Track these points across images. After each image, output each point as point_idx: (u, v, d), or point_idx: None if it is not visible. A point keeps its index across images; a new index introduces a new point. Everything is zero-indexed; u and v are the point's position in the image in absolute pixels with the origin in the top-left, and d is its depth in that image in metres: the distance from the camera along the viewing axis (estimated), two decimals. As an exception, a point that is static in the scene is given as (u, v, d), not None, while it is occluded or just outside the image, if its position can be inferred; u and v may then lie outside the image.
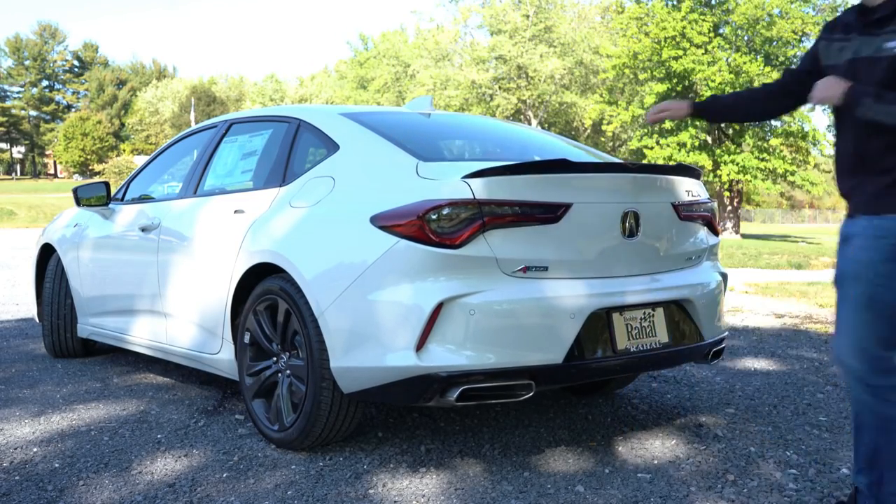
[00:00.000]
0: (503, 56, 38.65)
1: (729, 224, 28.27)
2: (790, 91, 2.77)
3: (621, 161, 3.41)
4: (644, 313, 3.09)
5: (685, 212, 3.31)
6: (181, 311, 3.92)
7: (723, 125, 27.21)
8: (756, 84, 25.47)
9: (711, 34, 26.86)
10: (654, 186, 3.23)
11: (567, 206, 2.89)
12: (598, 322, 2.94)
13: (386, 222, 2.86)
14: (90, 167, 68.90)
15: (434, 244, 2.77)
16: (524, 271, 2.83)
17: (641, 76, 29.46)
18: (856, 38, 2.44)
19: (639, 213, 3.08)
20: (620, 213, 3.03)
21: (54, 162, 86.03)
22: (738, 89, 25.31)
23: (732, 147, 27.20)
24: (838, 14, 2.74)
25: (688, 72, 26.51)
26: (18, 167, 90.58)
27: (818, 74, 2.55)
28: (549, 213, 2.86)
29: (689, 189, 3.37)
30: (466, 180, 2.81)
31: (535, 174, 2.90)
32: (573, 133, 42.57)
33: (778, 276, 11.88)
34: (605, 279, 3.04)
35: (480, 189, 2.79)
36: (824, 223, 68.09)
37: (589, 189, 2.99)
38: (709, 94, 25.52)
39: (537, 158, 3.78)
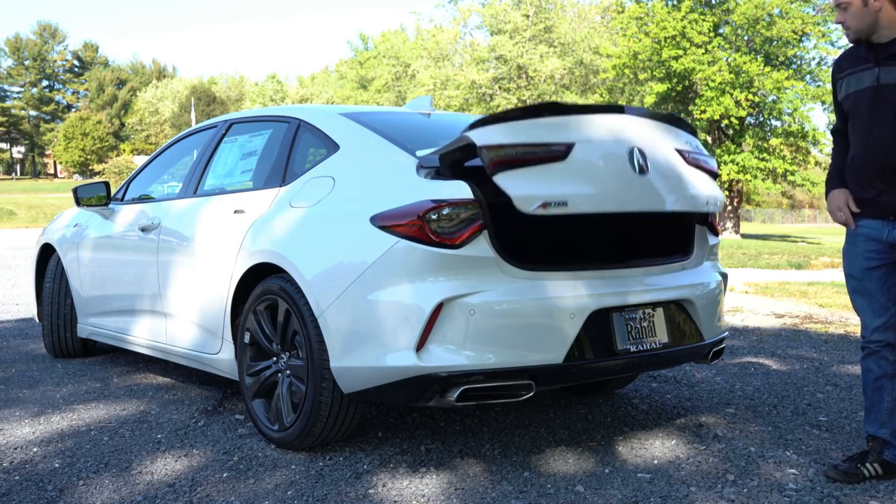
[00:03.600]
0: (503, 56, 38.64)
1: (729, 224, 28.26)
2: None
3: (616, 104, 3.43)
4: (644, 313, 3.09)
5: (691, 158, 3.26)
6: (181, 311, 3.92)
7: (723, 125, 27.22)
8: (756, 83, 25.47)
9: (711, 34, 26.85)
10: (654, 129, 3.19)
11: (570, 145, 2.85)
12: (598, 322, 2.94)
13: (386, 222, 2.86)
14: (90, 167, 68.88)
15: (434, 244, 2.77)
16: (544, 207, 2.75)
17: (641, 76, 29.45)
18: (874, 68, 2.83)
19: (644, 151, 3.02)
20: (626, 151, 2.97)
21: (54, 162, 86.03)
22: (737, 89, 25.39)
23: (732, 147, 27.19)
24: (840, 54, 3.05)
25: (688, 72, 26.50)
26: (18, 167, 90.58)
27: (844, 109, 2.97)
28: (555, 152, 2.83)
29: (688, 141, 3.35)
30: (467, 182, 2.82)
31: (531, 118, 2.88)
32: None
33: (778, 276, 11.88)
34: (605, 279, 3.04)
35: (483, 137, 2.77)
36: (824, 223, 68.08)
37: (588, 130, 2.95)
38: (709, 94, 25.56)
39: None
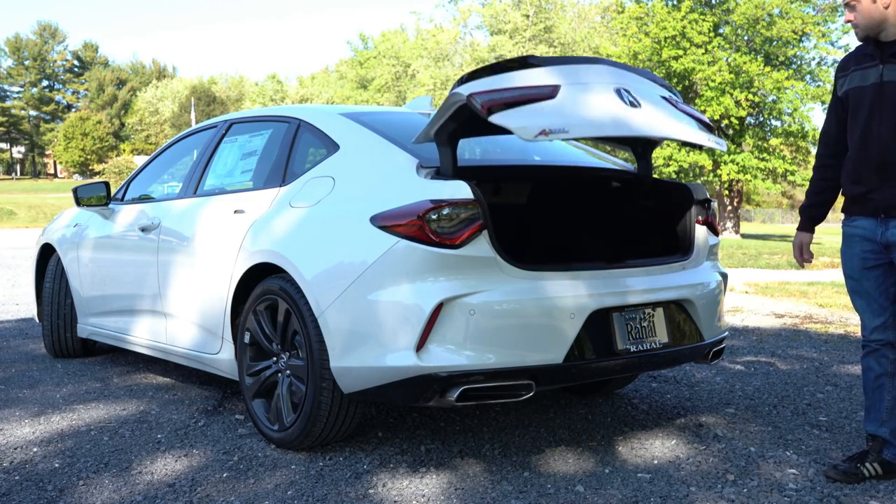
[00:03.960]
0: (503, 56, 38.65)
1: (729, 224, 28.25)
2: (844, 144, 3.04)
3: (593, 56, 3.43)
4: (644, 313, 3.09)
5: (679, 106, 3.22)
6: (181, 311, 3.92)
7: (723, 125, 27.22)
8: (756, 84, 25.46)
9: (711, 34, 26.85)
10: (636, 78, 3.16)
11: (556, 87, 2.82)
12: (598, 322, 2.94)
13: (386, 222, 2.86)
14: (90, 167, 68.85)
15: (434, 244, 2.77)
16: (545, 134, 2.67)
17: (641, 76, 29.43)
18: (879, 65, 2.86)
19: (631, 90, 2.98)
20: (612, 90, 2.93)
21: (54, 162, 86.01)
22: (737, 89, 25.38)
23: (732, 147, 27.18)
24: (848, 53, 3.08)
25: (688, 72, 26.50)
26: (18, 167, 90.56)
27: (844, 105, 3.00)
28: (544, 92, 2.80)
29: (672, 93, 3.29)
30: (467, 182, 2.82)
31: (511, 71, 2.87)
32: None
33: (778, 276, 11.88)
34: (605, 279, 3.04)
35: (470, 88, 2.76)
36: (824, 223, 68.01)
37: (571, 75, 2.94)
38: (709, 94, 25.55)
39: (537, 159, 3.79)
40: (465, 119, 2.87)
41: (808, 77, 26.99)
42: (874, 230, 2.90)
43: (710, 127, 3.29)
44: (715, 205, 3.62)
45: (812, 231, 3.20)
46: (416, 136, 3.08)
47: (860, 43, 2.98)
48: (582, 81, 2.93)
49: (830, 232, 41.78)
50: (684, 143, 3.19)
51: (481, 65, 38.50)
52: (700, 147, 3.30)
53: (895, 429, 2.94)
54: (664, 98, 3.17)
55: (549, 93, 2.80)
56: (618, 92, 2.93)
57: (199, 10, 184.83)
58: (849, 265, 3.01)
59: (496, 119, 2.69)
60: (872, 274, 2.94)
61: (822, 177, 3.13)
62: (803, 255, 3.19)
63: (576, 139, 2.78)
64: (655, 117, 2.96)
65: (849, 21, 2.93)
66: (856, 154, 2.93)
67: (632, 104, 2.93)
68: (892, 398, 2.95)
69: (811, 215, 3.18)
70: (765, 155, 26.59)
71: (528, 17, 39.24)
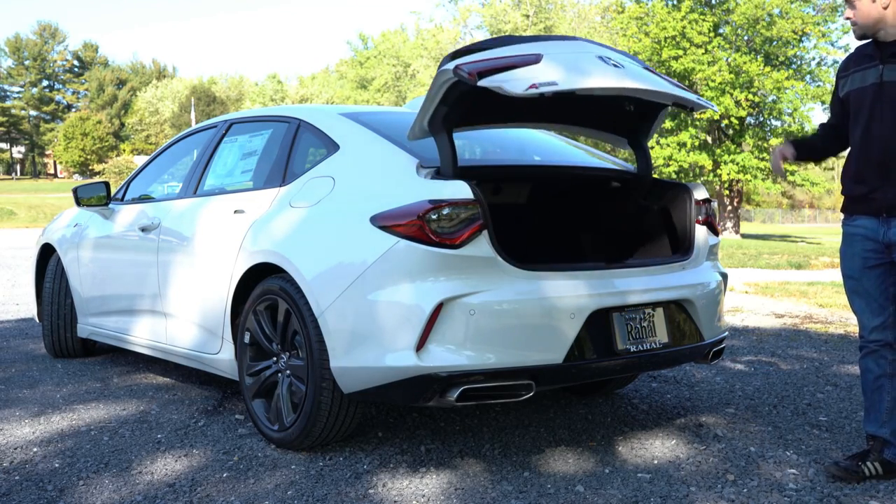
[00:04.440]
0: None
1: (729, 224, 28.25)
2: (840, 133, 3.11)
3: (569, 35, 3.45)
4: (644, 313, 3.09)
5: (661, 76, 3.23)
6: (181, 311, 3.92)
7: (723, 125, 27.22)
8: (756, 84, 25.48)
9: (711, 34, 26.85)
10: (614, 51, 3.17)
11: (539, 55, 2.84)
12: (598, 322, 2.94)
13: (386, 222, 2.86)
14: (90, 167, 68.84)
15: (434, 244, 2.77)
16: (535, 87, 2.68)
17: (641, 76, 29.42)
18: (879, 65, 2.87)
19: (612, 57, 3.00)
20: (595, 56, 2.95)
21: (54, 162, 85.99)
22: (737, 89, 25.41)
23: (732, 147, 27.18)
24: (849, 54, 3.10)
25: (688, 71, 26.49)
26: (18, 167, 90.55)
27: (845, 107, 3.02)
28: (527, 59, 2.82)
29: (647, 66, 3.34)
30: (467, 182, 2.82)
31: (492, 48, 2.90)
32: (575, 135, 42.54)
33: (778, 276, 11.88)
34: (605, 279, 3.04)
35: (456, 62, 2.78)
36: (824, 223, 68.09)
37: (551, 47, 2.96)
38: (709, 94, 25.55)
39: (537, 159, 3.79)
40: (455, 101, 2.88)
41: (808, 77, 27.00)
42: (876, 230, 2.90)
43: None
44: (715, 205, 3.63)
45: (793, 148, 3.21)
46: (409, 131, 3.09)
47: (859, 42, 2.99)
48: (563, 52, 2.96)
49: (830, 232, 41.79)
50: (675, 104, 3.19)
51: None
52: (690, 109, 3.30)
53: (895, 429, 2.94)
54: (646, 69, 3.20)
55: (534, 59, 2.82)
56: (600, 58, 2.96)
57: (199, 9, 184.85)
58: (849, 265, 3.02)
59: (485, 82, 2.70)
60: (873, 273, 2.94)
61: (825, 133, 3.18)
62: (780, 159, 3.21)
63: (565, 92, 2.75)
64: (640, 75, 2.99)
65: (848, 18, 2.95)
66: (857, 154, 2.94)
67: (615, 66, 2.95)
68: (892, 399, 2.95)
69: (801, 143, 3.24)
70: (765, 155, 26.59)
71: (528, 17, 39.24)
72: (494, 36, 3.29)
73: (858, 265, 2.97)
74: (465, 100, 2.90)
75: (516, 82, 2.68)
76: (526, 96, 2.67)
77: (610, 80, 2.85)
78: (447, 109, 2.91)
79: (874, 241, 2.91)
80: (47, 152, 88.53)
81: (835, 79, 3.10)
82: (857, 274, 2.98)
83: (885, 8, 2.83)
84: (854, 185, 2.96)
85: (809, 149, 3.23)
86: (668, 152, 26.72)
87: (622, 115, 3.52)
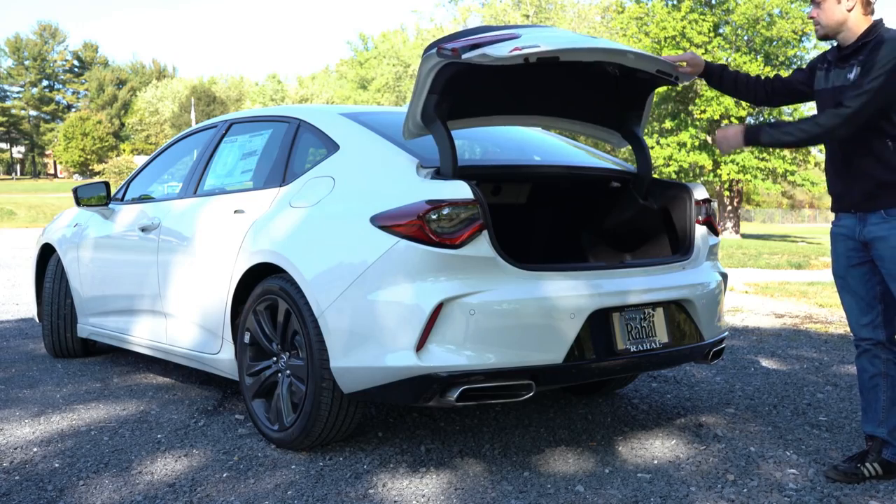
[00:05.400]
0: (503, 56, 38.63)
1: (729, 224, 28.25)
2: (781, 92, 3.19)
3: (549, 25, 3.49)
4: (644, 313, 3.09)
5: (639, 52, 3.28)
6: (181, 311, 3.92)
7: (723, 125, 27.20)
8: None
9: (711, 34, 26.84)
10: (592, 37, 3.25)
11: (518, 34, 2.89)
12: (598, 322, 2.95)
13: (386, 222, 2.86)
14: (90, 167, 68.82)
15: (434, 244, 2.77)
16: (518, 50, 2.72)
17: (641, 76, 29.42)
18: (833, 69, 2.95)
19: (590, 35, 3.09)
20: (572, 34, 3.05)
21: (54, 162, 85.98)
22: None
23: (732, 147, 27.15)
24: (825, 51, 3.14)
25: (688, 72, 26.48)
26: (18, 167, 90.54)
27: (807, 90, 3.10)
28: (506, 35, 2.85)
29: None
30: (467, 182, 2.82)
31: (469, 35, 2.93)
32: (573, 133, 42.54)
33: (778, 276, 11.88)
34: (605, 279, 3.04)
35: (441, 43, 2.81)
36: (824, 223, 68.09)
37: (530, 29, 3.01)
38: (709, 94, 25.55)
39: (537, 159, 3.79)
40: (444, 88, 2.91)
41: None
42: (853, 228, 2.95)
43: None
44: (715, 205, 3.63)
45: (704, 72, 3.23)
46: (403, 128, 3.10)
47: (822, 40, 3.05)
48: (541, 31, 3.01)
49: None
50: (659, 72, 3.22)
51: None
52: (674, 78, 3.33)
53: (894, 428, 2.94)
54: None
55: (513, 35, 2.86)
56: (576, 34, 3.03)
57: (199, 10, 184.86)
58: (836, 264, 3.08)
59: (468, 55, 2.73)
60: (858, 272, 2.99)
61: (750, 78, 3.25)
62: (680, 63, 3.23)
63: (549, 54, 2.79)
64: (620, 45, 3.06)
65: (811, 18, 2.97)
66: (828, 154, 3.03)
67: (593, 39, 3.03)
68: (888, 398, 2.96)
69: (715, 69, 3.25)
70: (765, 155, 26.58)
71: (528, 17, 39.25)
72: (473, 27, 3.34)
73: (843, 264, 3.03)
74: (453, 86, 2.92)
75: (499, 47, 2.73)
76: (510, 60, 2.71)
77: (591, 43, 2.94)
78: (437, 98, 2.92)
79: (853, 240, 2.96)
80: (47, 152, 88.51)
81: (814, 62, 3.12)
82: (842, 273, 3.04)
83: (850, 11, 2.86)
84: (831, 185, 3.03)
85: (728, 82, 3.25)
86: (668, 152, 26.72)
87: (611, 102, 3.52)
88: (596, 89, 3.44)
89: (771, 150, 26.82)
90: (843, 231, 3.00)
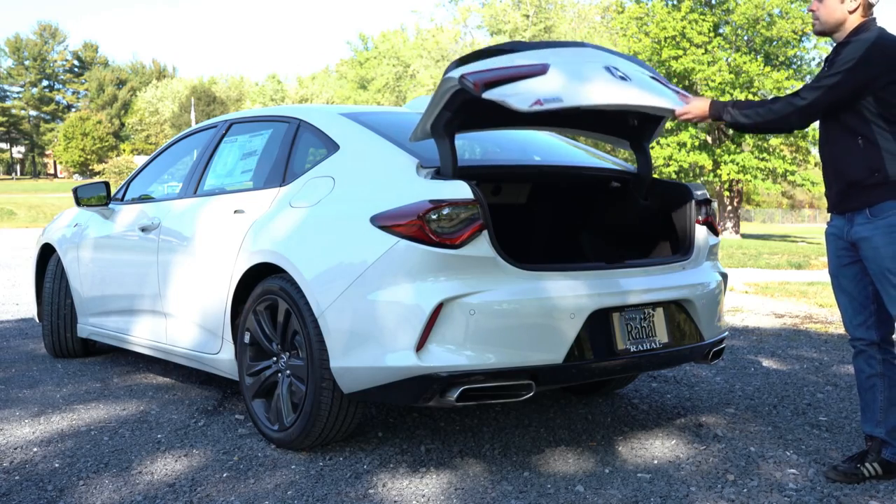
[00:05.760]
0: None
1: (729, 224, 28.24)
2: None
3: (577, 41, 3.44)
4: (644, 313, 3.09)
5: (668, 84, 3.25)
6: (181, 311, 3.92)
7: (723, 125, 27.18)
8: (756, 84, 25.47)
9: (711, 34, 26.84)
10: (621, 58, 3.20)
11: (546, 65, 2.86)
12: (598, 322, 2.94)
13: (386, 222, 2.86)
14: (90, 167, 68.83)
15: (434, 244, 2.77)
16: (540, 104, 2.72)
17: (641, 76, 29.43)
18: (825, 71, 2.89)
19: (619, 67, 3.04)
20: (602, 67, 2.99)
21: (54, 162, 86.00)
22: (737, 89, 25.38)
23: (732, 147, 27.17)
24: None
25: (688, 71, 26.48)
26: (18, 167, 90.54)
27: None
28: (535, 70, 2.83)
29: (658, 76, 3.34)
30: (467, 182, 2.82)
31: (499, 56, 2.90)
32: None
33: (778, 276, 11.88)
34: (605, 279, 3.04)
35: (461, 71, 2.78)
36: (824, 223, 67.90)
37: (559, 56, 2.98)
38: (709, 94, 25.54)
39: (537, 159, 3.79)
40: (459, 107, 2.88)
41: (807, 77, 26.96)
42: (842, 228, 2.96)
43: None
44: (715, 205, 3.63)
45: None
46: (412, 133, 3.09)
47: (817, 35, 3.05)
48: (570, 60, 2.97)
49: (830, 232, 41.61)
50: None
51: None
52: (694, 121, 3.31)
53: (892, 428, 2.94)
54: (653, 78, 3.21)
55: (541, 69, 2.83)
56: (607, 69, 2.98)
57: (199, 10, 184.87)
58: (830, 264, 3.08)
59: (489, 94, 2.70)
60: (850, 271, 2.99)
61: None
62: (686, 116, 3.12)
63: (570, 108, 2.78)
64: (647, 89, 3.02)
65: (811, 11, 2.95)
66: (819, 156, 3.05)
67: (622, 78, 2.97)
68: (885, 398, 2.96)
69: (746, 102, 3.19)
70: (765, 155, 26.57)
71: (528, 17, 39.24)
72: (504, 42, 3.30)
73: (835, 264, 3.03)
74: (468, 107, 2.90)
75: (521, 97, 2.70)
76: (530, 112, 2.70)
77: (614, 95, 2.89)
78: (450, 115, 2.91)
79: (843, 240, 2.96)
80: (47, 152, 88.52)
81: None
82: (836, 272, 3.04)
83: (851, 12, 2.85)
84: (825, 186, 3.04)
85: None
86: (668, 152, 26.71)
87: (625, 122, 3.52)
88: (613, 113, 3.42)
89: (771, 150, 26.84)
90: (833, 231, 3.01)
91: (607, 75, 2.96)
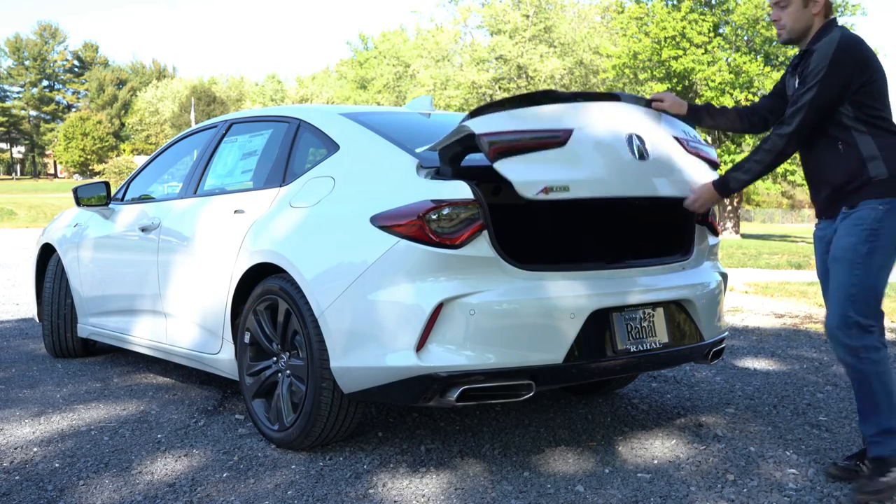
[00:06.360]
0: (503, 56, 38.63)
1: (729, 224, 28.24)
2: (764, 114, 3.21)
3: (611, 92, 3.43)
4: (644, 313, 3.09)
5: (690, 146, 3.29)
6: (181, 311, 3.92)
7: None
8: (756, 84, 25.47)
9: (711, 34, 26.84)
10: (651, 117, 3.22)
11: (569, 131, 2.87)
12: (598, 322, 2.94)
13: (386, 222, 2.86)
14: (90, 167, 68.88)
15: (434, 244, 2.77)
16: (546, 192, 2.76)
17: (641, 76, 29.43)
18: (790, 77, 2.97)
19: (643, 138, 3.06)
20: (625, 136, 3.01)
21: (54, 162, 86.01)
22: (737, 89, 25.39)
23: (732, 147, 27.18)
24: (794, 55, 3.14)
25: (688, 71, 26.48)
26: (18, 167, 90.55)
27: (785, 100, 3.02)
28: (555, 137, 2.85)
29: (685, 130, 3.36)
30: (467, 182, 2.82)
31: (528, 106, 2.90)
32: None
33: (778, 275, 11.88)
34: (605, 279, 3.04)
35: (483, 125, 2.78)
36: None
37: (586, 117, 2.98)
38: (709, 94, 25.56)
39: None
40: (469, 147, 2.87)
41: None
42: (827, 230, 2.95)
43: (716, 164, 3.42)
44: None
45: (687, 113, 3.27)
46: (432, 145, 3.07)
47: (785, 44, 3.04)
48: (596, 125, 2.95)
49: (830, 232, 41.58)
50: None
51: (485, 64, 38.70)
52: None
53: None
54: (676, 139, 3.23)
55: (561, 138, 2.85)
56: (629, 140, 3.01)
57: (199, 10, 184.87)
58: (818, 266, 3.07)
59: (500, 167, 2.74)
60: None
61: (733, 109, 3.28)
62: (659, 103, 3.26)
63: (573, 198, 2.85)
64: (656, 173, 3.07)
65: (775, 21, 2.91)
66: (803, 165, 3.04)
67: (640, 155, 3.01)
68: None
69: (699, 109, 3.31)
70: (765, 155, 26.54)
71: (528, 17, 39.20)
72: (535, 91, 3.27)
73: (822, 268, 3.03)
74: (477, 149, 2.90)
75: (529, 182, 2.74)
76: (534, 200, 2.75)
77: (622, 187, 2.96)
78: (460, 150, 2.91)
79: (827, 243, 2.95)
80: (47, 152, 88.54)
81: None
82: (822, 276, 3.04)
83: (816, 15, 2.84)
84: (810, 192, 3.04)
85: (712, 118, 3.28)
86: (668, 152, 26.67)
87: None
88: None
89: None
90: (819, 234, 3.02)
91: (626, 151, 2.98)
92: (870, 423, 2.78)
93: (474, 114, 2.85)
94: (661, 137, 3.16)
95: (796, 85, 2.87)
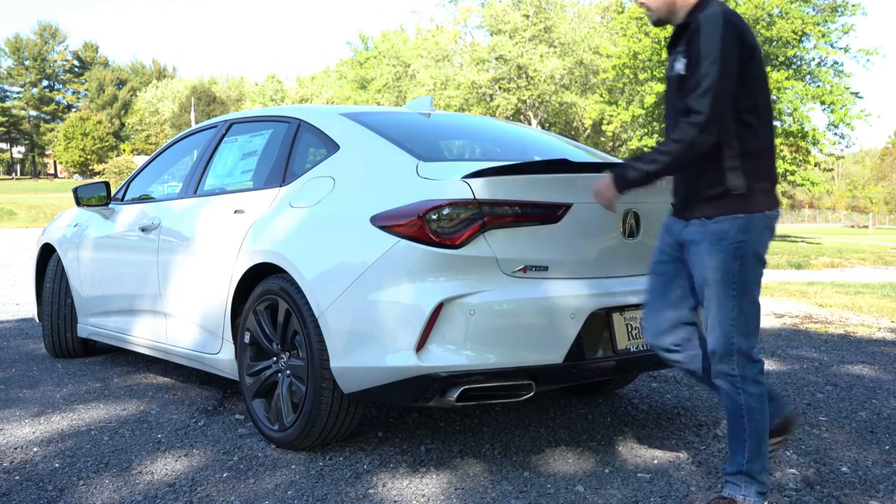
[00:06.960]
0: (503, 56, 38.62)
1: (729, 224, 28.20)
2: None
3: (622, 161, 3.40)
4: (644, 313, 3.09)
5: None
6: (181, 311, 3.92)
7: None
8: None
9: (711, 34, 26.81)
10: (656, 186, 3.22)
11: (567, 207, 2.89)
12: (599, 322, 2.94)
13: (386, 222, 2.86)
14: (90, 167, 68.90)
15: (434, 244, 2.77)
16: (524, 271, 2.82)
17: (641, 76, 29.44)
18: (671, 57, 2.62)
19: (639, 214, 3.08)
20: (621, 213, 3.03)
21: (54, 162, 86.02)
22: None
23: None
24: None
25: (688, 72, 26.46)
26: (18, 167, 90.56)
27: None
28: (550, 213, 2.87)
29: None
30: (467, 180, 2.81)
31: (536, 174, 2.91)
32: (573, 133, 42.56)
33: (778, 276, 11.88)
34: (606, 279, 3.04)
35: (481, 189, 2.79)
36: (824, 223, 68.05)
37: (589, 189, 2.97)
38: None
39: (537, 159, 3.79)
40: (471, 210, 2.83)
41: (807, 77, 26.98)
42: (678, 227, 2.68)
43: None
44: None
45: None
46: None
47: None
48: (595, 205, 2.78)
49: (830, 232, 41.74)
50: None
51: (485, 64, 38.69)
52: None
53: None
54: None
55: (556, 216, 2.87)
56: (624, 218, 3.04)
57: (198, 9, 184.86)
58: (654, 258, 2.83)
59: (488, 237, 2.78)
60: (665, 269, 2.77)
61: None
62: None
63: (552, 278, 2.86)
64: (638, 255, 3.09)
65: (642, 4, 2.67)
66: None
67: (630, 234, 3.07)
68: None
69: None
70: (764, 155, 26.55)
71: (527, 17, 39.20)
72: (540, 161, 3.20)
73: (657, 257, 2.79)
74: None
75: (508, 263, 2.80)
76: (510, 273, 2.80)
77: (602, 269, 3.01)
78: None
79: (676, 241, 2.70)
80: (47, 152, 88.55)
81: None
82: (655, 269, 2.81)
83: None
84: (673, 189, 2.74)
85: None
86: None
87: None
88: None
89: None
90: (668, 223, 2.75)
91: (617, 228, 3.02)
92: (733, 460, 2.58)
93: (480, 173, 2.82)
94: (659, 208, 3.07)
95: (678, 66, 2.53)
